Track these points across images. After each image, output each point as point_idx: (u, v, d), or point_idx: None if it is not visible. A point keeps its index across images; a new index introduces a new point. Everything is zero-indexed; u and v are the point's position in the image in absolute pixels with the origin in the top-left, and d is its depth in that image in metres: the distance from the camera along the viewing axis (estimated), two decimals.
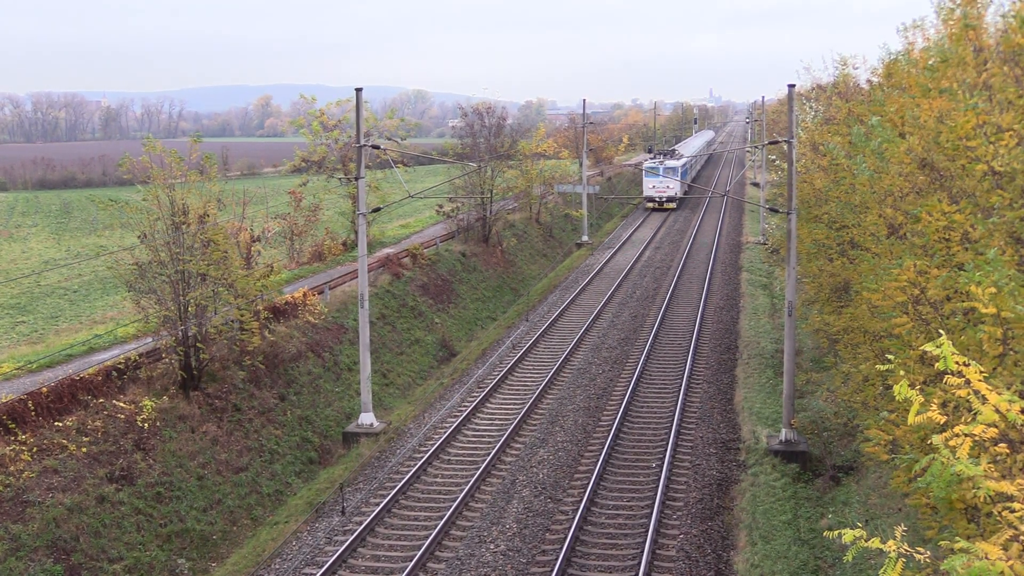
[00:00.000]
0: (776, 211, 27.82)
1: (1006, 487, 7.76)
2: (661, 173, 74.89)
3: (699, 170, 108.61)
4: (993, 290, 9.74)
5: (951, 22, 15.81)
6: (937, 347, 8.02)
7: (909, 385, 8.35)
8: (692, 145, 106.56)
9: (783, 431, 23.94)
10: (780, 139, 26.24)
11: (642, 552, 18.28)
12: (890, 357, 10.08)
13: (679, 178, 76.67)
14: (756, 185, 79.54)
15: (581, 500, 20.78)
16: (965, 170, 13.35)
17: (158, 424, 22.45)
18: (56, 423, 20.62)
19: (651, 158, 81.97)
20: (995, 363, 10.27)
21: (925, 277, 13.10)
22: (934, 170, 15.28)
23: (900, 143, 15.80)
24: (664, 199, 75.95)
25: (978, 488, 7.71)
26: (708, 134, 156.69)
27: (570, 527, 19.42)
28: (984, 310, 9.80)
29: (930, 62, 15.86)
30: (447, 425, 26.42)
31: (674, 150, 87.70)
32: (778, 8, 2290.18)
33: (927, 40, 22.06)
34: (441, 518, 20.22)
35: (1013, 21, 13.83)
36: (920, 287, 13.28)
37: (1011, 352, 10.32)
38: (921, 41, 22.53)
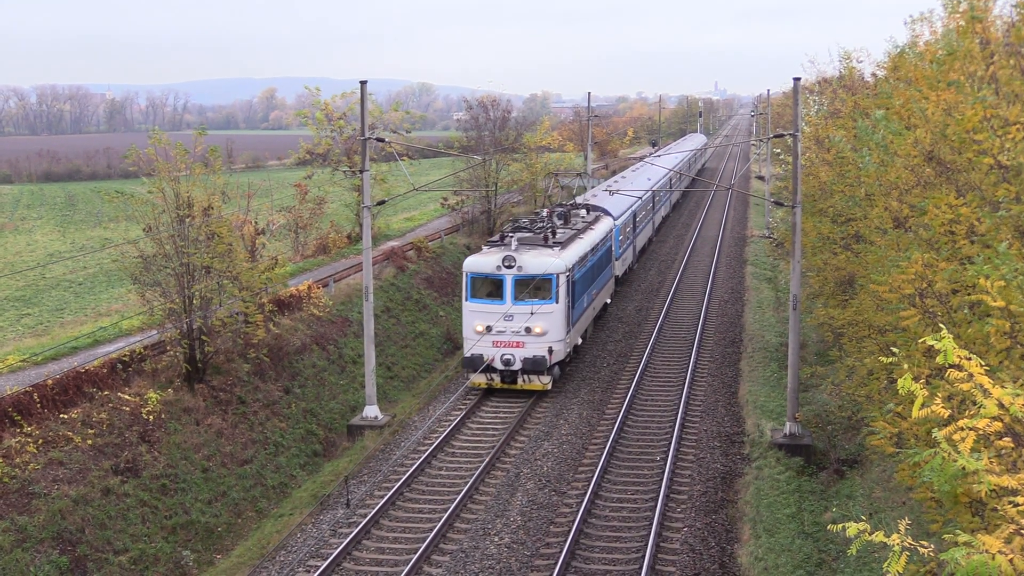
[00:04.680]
0: (781, 204, 27.75)
1: (1007, 481, 7.75)
2: (509, 290, 26.87)
3: (663, 218, 61.29)
4: (1002, 283, 9.71)
5: (958, 15, 15.74)
6: (937, 340, 8.00)
7: (914, 379, 8.33)
8: (641, 181, 50.22)
9: (787, 424, 23.92)
10: (785, 132, 26.15)
11: (646, 545, 18.29)
12: (895, 350, 10.05)
13: (562, 304, 27.18)
14: (761, 179, 79.30)
15: (585, 493, 20.79)
16: (971, 163, 13.30)
17: (163, 416, 22.51)
18: (61, 415, 20.69)
19: (494, 241, 29.81)
20: (1002, 356, 10.24)
21: (932, 270, 13.06)
22: (940, 163, 15.22)
23: (907, 135, 15.74)
24: (516, 363, 26.93)
25: (981, 482, 7.70)
26: (696, 139, 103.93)
27: (574, 520, 19.43)
28: (992, 303, 9.77)
29: (937, 55, 15.79)
30: (451, 418, 26.43)
31: (575, 208, 36.11)
32: (787, 3, 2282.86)
33: (934, 33, 22.01)
34: (445, 511, 20.24)
35: (1023, 12, 13.76)
36: (928, 280, 13.24)
37: (1018, 346, 10.29)
38: (928, 34, 22.50)
